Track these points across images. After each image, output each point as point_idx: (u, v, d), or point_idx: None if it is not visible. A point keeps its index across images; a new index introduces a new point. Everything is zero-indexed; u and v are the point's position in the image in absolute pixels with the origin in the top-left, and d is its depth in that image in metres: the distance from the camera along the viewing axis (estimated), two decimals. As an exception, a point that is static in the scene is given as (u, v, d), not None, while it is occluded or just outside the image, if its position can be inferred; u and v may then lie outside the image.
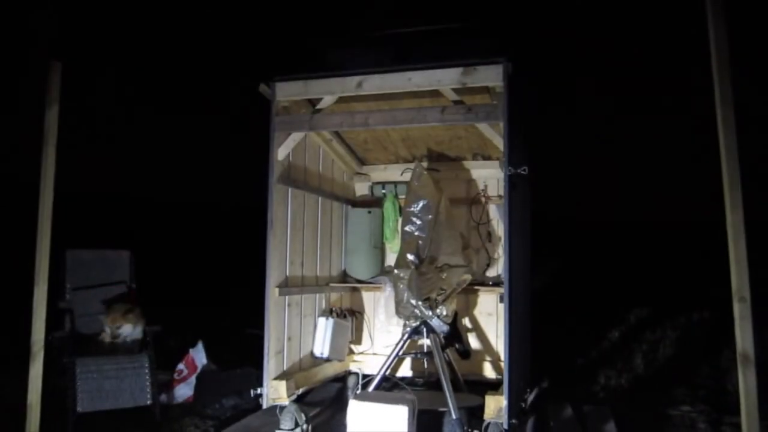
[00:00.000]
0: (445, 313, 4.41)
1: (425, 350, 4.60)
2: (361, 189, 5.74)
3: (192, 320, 7.15)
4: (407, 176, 4.97)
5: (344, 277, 5.50)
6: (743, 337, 2.83)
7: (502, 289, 3.87)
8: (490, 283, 5.07)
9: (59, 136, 3.58)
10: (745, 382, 2.83)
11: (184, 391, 4.97)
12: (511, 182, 3.82)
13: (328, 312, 5.07)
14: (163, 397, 4.78)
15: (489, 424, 3.73)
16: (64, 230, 3.86)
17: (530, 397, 4.82)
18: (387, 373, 4.58)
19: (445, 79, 3.95)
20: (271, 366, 4.20)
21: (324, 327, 4.89)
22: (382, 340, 5.44)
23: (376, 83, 4.10)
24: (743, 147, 2.87)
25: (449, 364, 4.61)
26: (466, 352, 4.82)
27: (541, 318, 5.51)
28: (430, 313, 4.36)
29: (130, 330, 4.54)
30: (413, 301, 4.34)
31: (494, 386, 4.12)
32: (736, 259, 2.87)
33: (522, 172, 3.95)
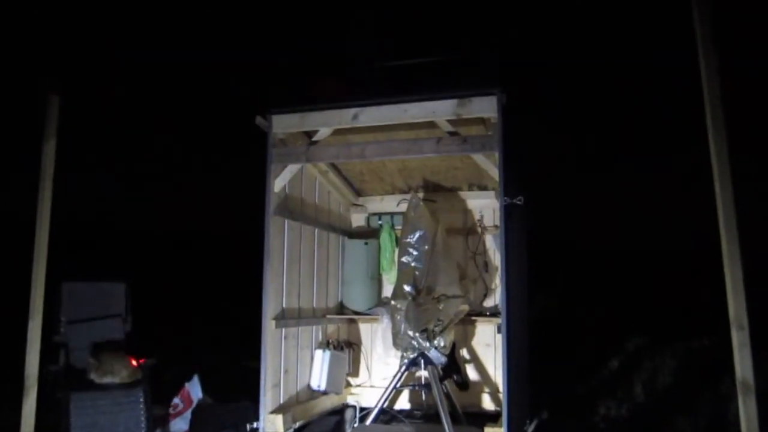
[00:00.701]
0: (442, 344, 4.39)
1: (423, 382, 4.56)
2: (358, 220, 5.75)
3: (187, 353, 7.08)
4: (403, 207, 4.99)
5: (341, 308, 5.47)
6: (743, 366, 2.83)
7: (499, 320, 3.87)
8: (488, 313, 5.06)
9: (56, 167, 3.61)
10: (746, 410, 2.82)
11: (179, 426, 4.90)
12: (507, 212, 3.83)
13: (325, 344, 5.04)
14: (159, 432, 4.72)
15: (488, 456, 3.70)
16: (59, 261, 3.85)
17: (530, 429, 4.77)
18: (385, 405, 4.54)
19: (440, 110, 4.00)
20: (267, 399, 4.16)
21: (321, 359, 4.85)
22: (379, 372, 5.40)
23: (372, 115, 4.14)
24: (738, 175, 2.90)
25: (447, 395, 4.57)
26: (464, 384, 4.78)
27: (539, 347, 5.48)
28: (428, 344, 4.34)
29: (112, 380, 4.33)
30: (411, 333, 4.32)
31: (493, 418, 4.08)
32: (733, 288, 2.88)
33: (518, 202, 3.97)
